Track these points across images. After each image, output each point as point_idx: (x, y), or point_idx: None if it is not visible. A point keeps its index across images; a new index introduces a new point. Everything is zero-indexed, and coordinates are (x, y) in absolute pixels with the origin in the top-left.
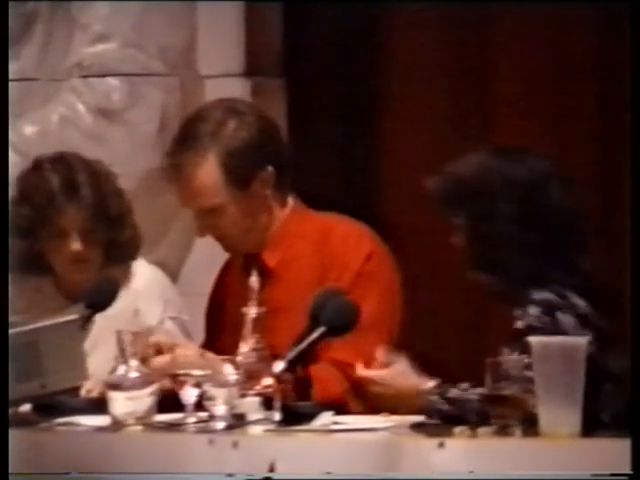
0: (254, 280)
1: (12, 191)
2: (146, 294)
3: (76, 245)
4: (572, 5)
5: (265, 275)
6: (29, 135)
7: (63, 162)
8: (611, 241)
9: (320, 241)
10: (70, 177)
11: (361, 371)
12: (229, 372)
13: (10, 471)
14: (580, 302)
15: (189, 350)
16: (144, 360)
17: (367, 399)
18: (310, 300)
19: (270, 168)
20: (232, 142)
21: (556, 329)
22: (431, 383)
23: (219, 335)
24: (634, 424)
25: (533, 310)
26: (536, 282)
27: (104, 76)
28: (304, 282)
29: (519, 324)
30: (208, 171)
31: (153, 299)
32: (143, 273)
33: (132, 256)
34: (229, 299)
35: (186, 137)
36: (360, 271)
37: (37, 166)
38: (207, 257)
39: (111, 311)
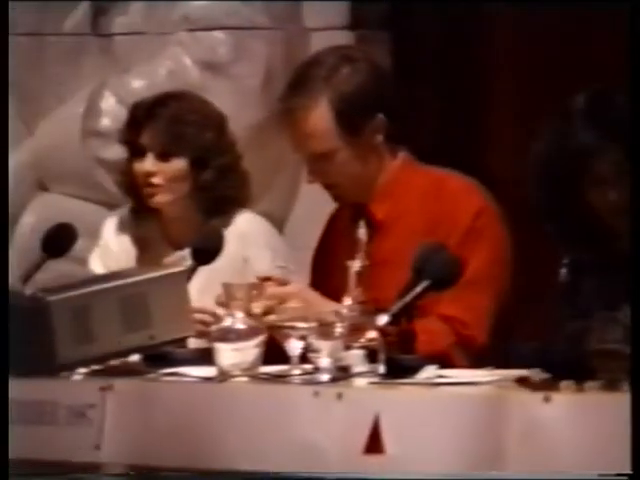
0: (362, 232)
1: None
2: (254, 242)
3: (148, 164)
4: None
5: (372, 227)
6: (136, 88)
7: (177, 97)
8: None
9: (430, 196)
10: (160, 98)
11: None
12: (334, 324)
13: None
14: None
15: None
16: (249, 312)
17: (473, 354)
18: (413, 254)
19: (381, 116)
20: (345, 87)
21: None
22: None
23: (324, 286)
24: (634, 423)
25: None
26: None
27: (210, 29)
28: (412, 236)
29: None
30: (320, 115)
31: (261, 248)
32: (250, 222)
33: (237, 207)
34: (335, 250)
35: (299, 81)
36: (470, 228)
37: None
38: (311, 211)
39: (221, 258)
